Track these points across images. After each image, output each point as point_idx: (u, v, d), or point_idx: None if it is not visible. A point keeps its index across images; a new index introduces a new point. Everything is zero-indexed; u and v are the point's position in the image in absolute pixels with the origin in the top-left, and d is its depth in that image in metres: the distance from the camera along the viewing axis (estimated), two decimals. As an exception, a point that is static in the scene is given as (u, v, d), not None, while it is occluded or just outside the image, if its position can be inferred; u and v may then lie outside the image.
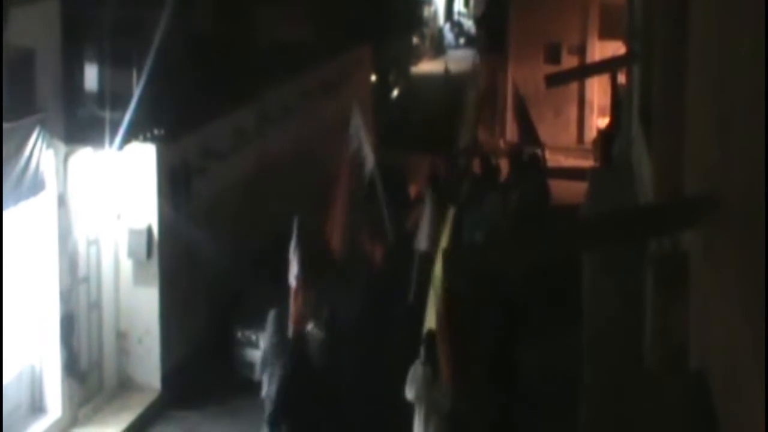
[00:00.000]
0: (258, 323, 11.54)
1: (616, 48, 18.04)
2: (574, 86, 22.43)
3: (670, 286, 4.83)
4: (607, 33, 22.08)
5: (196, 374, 11.81)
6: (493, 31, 25.01)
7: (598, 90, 22.80)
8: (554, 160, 19.96)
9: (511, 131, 22.37)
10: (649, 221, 4.48)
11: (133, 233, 11.35)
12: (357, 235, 11.81)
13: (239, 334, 12.17)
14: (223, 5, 14.54)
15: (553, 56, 23.19)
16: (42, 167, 9.89)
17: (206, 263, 12.23)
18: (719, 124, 4.04)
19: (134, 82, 10.71)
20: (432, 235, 11.88)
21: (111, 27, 10.71)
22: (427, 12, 34.78)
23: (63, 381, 10.53)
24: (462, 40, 37.33)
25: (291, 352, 9.86)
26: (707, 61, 4.52)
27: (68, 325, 10.57)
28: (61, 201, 10.47)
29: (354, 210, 11.72)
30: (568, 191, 17.14)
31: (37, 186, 9.87)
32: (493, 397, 10.48)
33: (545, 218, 14.48)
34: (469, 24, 37.94)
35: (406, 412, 9.44)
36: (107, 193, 11.30)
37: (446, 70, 19.96)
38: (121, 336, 11.60)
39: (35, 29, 9.89)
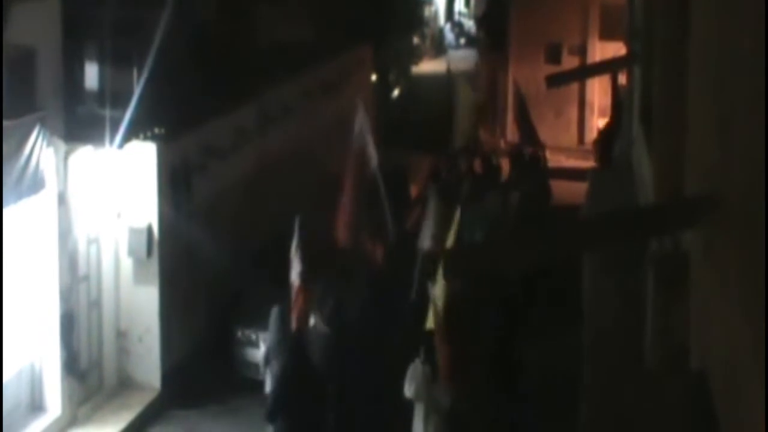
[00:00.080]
0: (258, 322, 11.54)
1: (616, 48, 18.04)
2: (574, 87, 22.42)
3: (671, 286, 4.83)
4: (607, 33, 22.08)
5: (196, 373, 11.81)
6: (493, 31, 25.00)
7: (598, 91, 22.79)
8: (555, 160, 19.95)
9: (512, 131, 22.37)
10: (650, 221, 4.48)
11: (133, 232, 11.35)
12: (359, 235, 11.81)
13: (239, 334, 12.17)
14: (223, 5, 14.54)
15: (554, 56, 23.19)
16: (42, 165, 9.89)
17: (206, 262, 12.23)
18: (719, 124, 4.04)
19: (135, 80, 10.71)
20: (436, 234, 11.88)
21: (112, 26, 10.72)
22: (427, 12, 34.78)
23: (63, 380, 10.53)
24: (462, 40, 37.33)
25: (290, 349, 9.86)
26: (707, 61, 4.52)
27: (68, 323, 10.57)
28: (61, 199, 10.47)
29: (359, 209, 11.72)
30: (568, 192, 17.14)
31: (37, 184, 9.88)
32: (493, 396, 10.49)
33: (546, 218, 14.49)
34: (469, 24, 37.93)
35: (406, 410, 9.44)
36: (107, 191, 11.30)
37: (448, 70, 19.99)
38: (121, 335, 11.60)
39: (36, 28, 9.89)
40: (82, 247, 11.00)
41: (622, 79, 16.72)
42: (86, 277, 11.12)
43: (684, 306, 4.66)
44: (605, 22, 22.66)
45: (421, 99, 24.79)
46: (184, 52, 12.23)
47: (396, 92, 25.74)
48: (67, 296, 10.57)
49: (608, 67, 16.37)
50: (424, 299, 10.11)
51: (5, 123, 9.21)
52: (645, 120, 8.59)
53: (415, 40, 31.16)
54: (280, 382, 9.67)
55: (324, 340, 10.39)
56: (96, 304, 11.33)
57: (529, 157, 17.59)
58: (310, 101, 16.09)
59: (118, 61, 10.83)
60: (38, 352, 10.42)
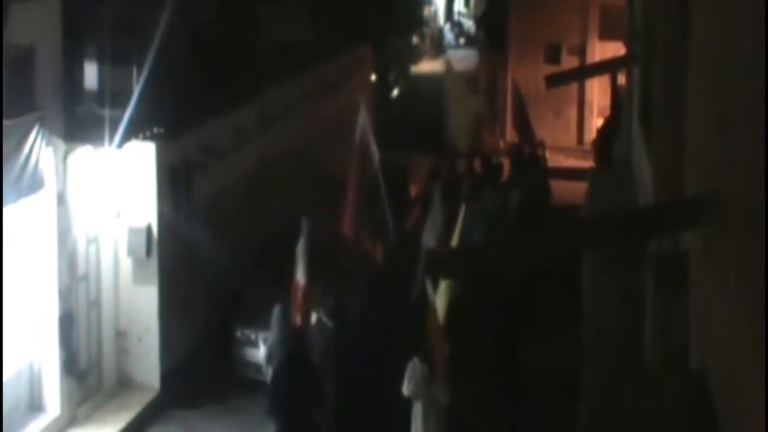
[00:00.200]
0: (258, 322, 11.53)
1: (616, 49, 18.03)
2: (574, 87, 22.43)
3: (671, 286, 4.83)
4: (607, 33, 22.08)
5: (196, 373, 11.81)
6: (493, 31, 25.01)
7: (598, 91, 22.79)
8: (554, 160, 19.97)
9: (511, 131, 22.38)
10: (649, 221, 4.47)
11: (132, 232, 11.35)
12: (360, 234, 11.81)
13: (239, 334, 12.17)
14: (223, 5, 14.54)
15: (554, 56, 23.20)
16: (41, 165, 9.89)
17: (206, 262, 12.23)
18: (719, 124, 4.04)
19: (134, 80, 10.71)
20: (440, 233, 11.88)
21: (111, 25, 10.71)
22: (427, 12, 34.79)
23: (62, 379, 10.52)
24: (462, 40, 37.35)
25: (290, 348, 9.87)
26: (707, 61, 4.52)
27: (67, 323, 10.56)
28: (61, 199, 10.46)
29: (361, 209, 11.72)
30: (567, 192, 17.15)
31: (36, 184, 9.87)
32: (493, 396, 10.49)
33: (545, 217, 14.49)
34: (469, 24, 37.95)
35: (404, 409, 9.44)
36: (107, 191, 11.30)
37: (448, 70, 20.04)
38: (120, 335, 11.59)
39: (36, 27, 9.89)
40: (81, 247, 10.99)
41: (621, 79, 16.72)
42: (85, 277, 11.11)
43: (684, 306, 4.66)
44: (605, 22, 22.67)
45: (421, 99, 24.80)
46: (184, 52, 12.23)
47: (395, 92, 25.74)
48: (66, 296, 10.56)
49: (608, 67, 16.37)
50: (424, 299, 10.11)
51: (5, 122, 9.20)
52: (644, 120, 8.60)
53: (415, 40, 31.18)
54: (279, 377, 9.68)
55: (324, 338, 10.39)
56: (95, 303, 11.33)
57: (529, 156, 17.60)
58: (310, 101, 16.09)
59: (117, 60, 10.82)
60: (37, 351, 10.42)
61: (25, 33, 9.60)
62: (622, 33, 16.30)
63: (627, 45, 14.23)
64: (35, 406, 10.51)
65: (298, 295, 10.41)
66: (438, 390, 9.17)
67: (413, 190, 16.89)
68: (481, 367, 10.92)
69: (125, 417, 11.02)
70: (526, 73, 22.33)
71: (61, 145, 10.43)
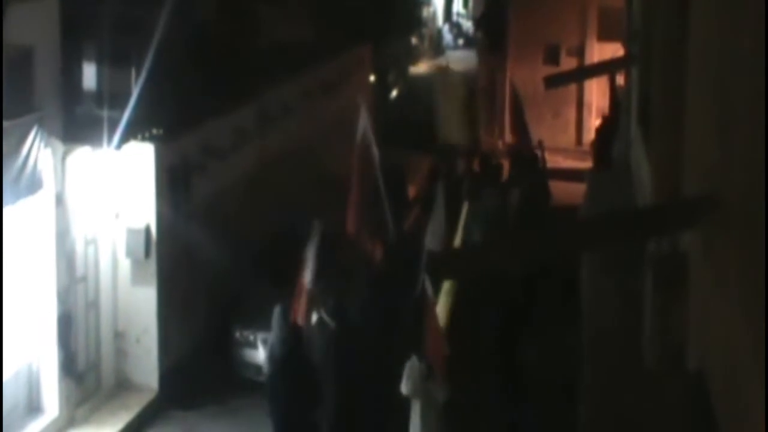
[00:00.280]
0: (257, 323, 11.52)
1: (614, 50, 18.06)
2: (572, 88, 22.46)
3: (670, 287, 4.83)
4: (605, 35, 22.10)
5: (195, 374, 11.80)
6: (491, 31, 25.03)
7: (596, 92, 22.81)
8: (553, 161, 19.98)
9: (510, 132, 22.39)
10: (649, 222, 4.47)
11: (131, 232, 11.34)
12: (360, 234, 11.81)
13: (238, 334, 12.15)
14: (223, 5, 14.53)
15: (552, 57, 23.23)
16: (40, 166, 9.88)
17: (205, 263, 12.22)
18: (719, 124, 4.04)
19: (133, 81, 10.69)
20: (443, 232, 11.88)
21: (110, 25, 10.70)
22: (426, 12, 34.79)
23: (60, 381, 10.51)
24: (461, 41, 37.35)
25: (289, 346, 9.87)
26: (707, 62, 4.52)
27: (65, 324, 10.55)
28: (59, 200, 10.45)
29: (363, 209, 11.71)
30: (566, 192, 17.15)
31: (34, 185, 9.86)
32: (492, 395, 10.49)
33: (545, 217, 14.49)
34: (467, 25, 37.96)
35: (403, 407, 9.43)
36: (105, 192, 11.28)
37: (446, 69, 20.11)
38: (118, 336, 11.58)
39: (34, 27, 9.88)
40: (79, 248, 10.98)
41: (620, 80, 16.74)
42: (84, 278, 11.10)
43: (683, 306, 4.66)
44: (603, 23, 22.69)
45: (420, 99, 24.81)
46: (184, 53, 12.22)
47: (394, 93, 25.74)
48: (64, 297, 10.55)
49: (606, 68, 16.40)
50: (424, 299, 10.11)
51: (3, 123, 9.19)
52: (643, 121, 8.60)
53: (414, 40, 31.18)
54: (279, 377, 9.68)
55: (324, 338, 10.39)
56: (94, 304, 11.31)
57: (528, 157, 17.62)
58: (309, 101, 16.09)
59: (116, 61, 10.81)
60: (36, 353, 10.40)
61: (24, 33, 9.59)
62: (620, 34, 16.32)
63: (625, 46, 14.25)
64: (34, 408, 10.49)
65: (303, 297, 10.40)
66: (436, 388, 9.18)
67: (411, 190, 16.91)
68: (481, 367, 10.92)
69: (124, 418, 11.01)
70: (525, 74, 22.34)
71: (60, 146, 10.42)
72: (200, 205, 12.26)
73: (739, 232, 3.47)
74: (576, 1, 23.38)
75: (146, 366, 11.54)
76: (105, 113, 10.75)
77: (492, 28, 25.07)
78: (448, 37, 37.80)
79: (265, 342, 10.84)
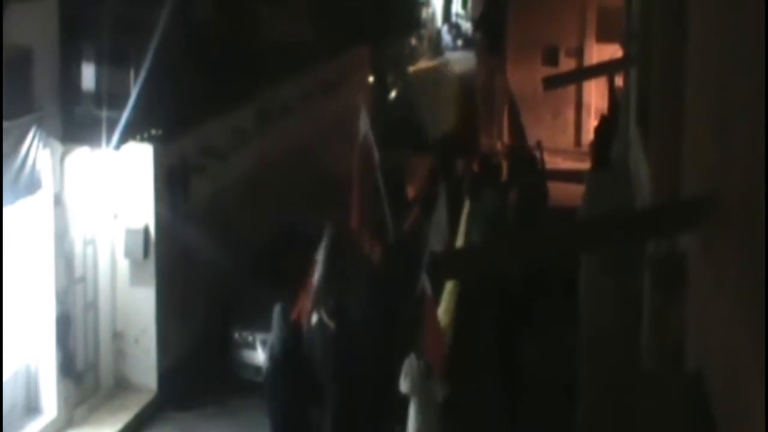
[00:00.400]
0: (256, 324, 11.51)
1: (613, 51, 18.06)
2: (571, 89, 22.47)
3: (669, 287, 4.83)
4: (604, 36, 22.12)
5: (194, 375, 11.79)
6: (490, 32, 25.04)
7: (595, 93, 22.83)
8: (552, 162, 19.99)
9: (507, 133, 22.40)
10: (648, 223, 4.47)
11: (129, 233, 11.33)
12: (361, 234, 11.81)
13: (237, 335, 12.14)
14: (223, 5, 14.53)
15: (551, 58, 23.24)
16: (39, 166, 9.87)
17: (204, 263, 12.21)
18: (719, 124, 4.03)
19: (132, 81, 10.69)
20: (446, 232, 11.88)
21: (109, 26, 10.70)
22: (425, 13, 34.78)
23: (59, 381, 10.50)
24: (460, 42, 37.36)
25: (289, 345, 9.87)
26: (707, 61, 4.52)
27: (64, 325, 10.54)
28: (58, 200, 10.44)
29: (364, 209, 11.71)
30: (565, 193, 17.16)
31: (33, 185, 9.85)
32: (492, 395, 10.49)
33: (543, 217, 14.50)
34: (466, 26, 37.97)
35: (401, 406, 9.44)
36: (104, 192, 11.28)
37: (443, 68, 20.15)
38: (117, 336, 11.57)
39: (33, 28, 9.88)
40: (78, 248, 10.97)
41: (619, 81, 16.75)
42: (82, 279, 11.09)
43: (681, 306, 4.66)
44: (602, 24, 22.71)
45: (419, 99, 24.80)
46: (183, 53, 12.21)
47: (393, 93, 25.73)
48: (63, 297, 10.54)
49: (605, 69, 16.41)
50: (423, 298, 10.12)
51: (2, 123, 9.18)
52: (642, 122, 8.60)
53: (413, 41, 31.18)
54: (278, 376, 9.68)
55: (324, 338, 10.39)
56: (92, 305, 11.30)
57: (526, 157, 17.63)
58: (309, 101, 16.09)
59: (115, 61, 10.80)
60: (34, 353, 10.39)
61: (22, 33, 9.59)
62: (619, 35, 16.33)
63: (624, 47, 14.26)
64: (32, 408, 10.48)
65: (308, 299, 10.39)
66: (435, 387, 9.19)
67: (410, 190, 16.91)
68: (481, 366, 10.92)
69: (122, 418, 11.00)
70: (524, 75, 22.35)
71: (59, 147, 10.41)
72: (199, 206, 12.25)
73: (739, 233, 3.47)
74: (575, 2, 23.39)
75: (145, 366, 11.53)
76: (104, 113, 10.74)
77: (491, 29, 25.07)
78: (447, 37, 37.77)
79: (264, 343, 10.83)
